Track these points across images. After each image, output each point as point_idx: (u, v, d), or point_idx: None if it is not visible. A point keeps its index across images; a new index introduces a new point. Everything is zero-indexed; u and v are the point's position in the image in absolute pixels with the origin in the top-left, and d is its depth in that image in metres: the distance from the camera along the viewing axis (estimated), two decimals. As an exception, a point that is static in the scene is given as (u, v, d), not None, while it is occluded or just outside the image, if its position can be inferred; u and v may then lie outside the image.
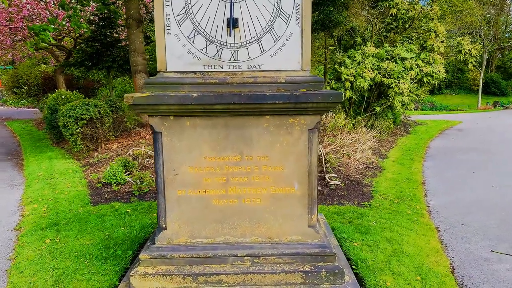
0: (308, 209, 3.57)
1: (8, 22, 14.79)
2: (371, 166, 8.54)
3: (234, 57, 3.49)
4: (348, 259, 4.45)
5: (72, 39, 15.84)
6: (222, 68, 3.50)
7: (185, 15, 3.44)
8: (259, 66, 3.51)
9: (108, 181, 7.02)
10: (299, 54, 3.50)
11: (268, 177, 3.54)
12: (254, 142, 3.50)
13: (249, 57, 3.49)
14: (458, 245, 4.95)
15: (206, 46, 3.47)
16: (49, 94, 12.25)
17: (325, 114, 10.80)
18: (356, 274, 4.09)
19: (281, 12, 3.45)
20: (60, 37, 16.24)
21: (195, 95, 3.30)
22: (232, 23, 3.41)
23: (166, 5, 3.44)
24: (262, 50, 3.48)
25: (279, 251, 3.53)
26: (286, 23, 3.46)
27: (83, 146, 8.99)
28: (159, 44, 3.48)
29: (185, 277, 3.46)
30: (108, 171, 7.09)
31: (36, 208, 6.21)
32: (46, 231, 5.27)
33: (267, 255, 3.52)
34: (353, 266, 4.29)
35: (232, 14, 3.40)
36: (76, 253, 4.63)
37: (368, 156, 8.83)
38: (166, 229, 3.58)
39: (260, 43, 3.47)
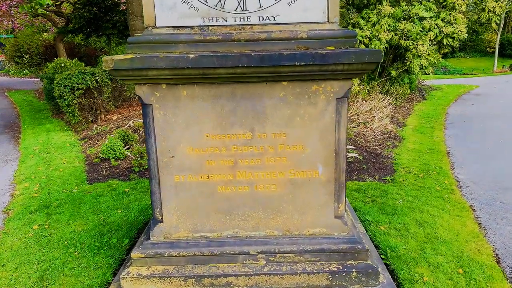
0: (335, 197, 2.85)
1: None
2: (390, 136, 7.76)
3: (242, 7, 2.68)
4: (376, 247, 3.78)
5: (71, 4, 14.83)
6: (227, 21, 2.70)
7: (178, -47, 2.62)
8: (274, 17, 2.70)
9: (106, 156, 6.34)
10: (324, 1, 2.68)
11: (285, 159, 2.80)
12: (268, 115, 2.75)
13: (261, 6, 2.68)
14: (498, 227, 4.25)
15: (206, -7, 2.66)
16: (48, 63, 11.44)
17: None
18: (386, 265, 3.43)
19: None
20: (58, 3, 15.24)
21: (192, 56, 2.52)
22: (238, -38, 2.58)
23: None
24: (277, -3, 2.67)
25: (300, 247, 2.84)
26: (308, -40, 2.63)
27: (81, 118, 8.28)
28: (145, -8, 2.68)
29: (187, 280, 2.81)
30: (106, 145, 6.40)
31: (27, 187, 5.57)
32: (35, 215, 4.64)
33: (285, 252, 2.84)
34: (382, 256, 3.62)
35: (238, -50, 2.57)
36: (66, 242, 4.00)
37: (386, 125, 8.03)
38: (162, 221, 2.90)
39: (274, -12, 2.65)
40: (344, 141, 2.80)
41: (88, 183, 5.65)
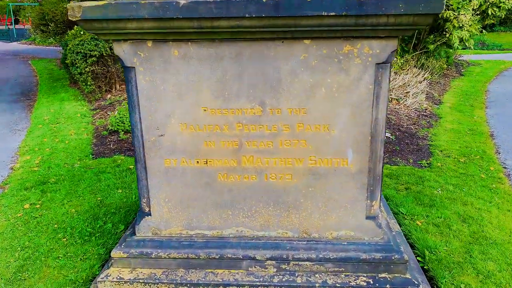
0: (368, 192, 2.18)
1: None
2: (425, 114, 6.91)
3: None
4: (411, 246, 3.11)
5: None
6: (232, -43, 2.00)
7: None
8: (295, -47, 1.97)
9: (115, 129, 5.81)
10: None
11: (305, 142, 2.13)
12: (284, 85, 2.07)
13: None
14: (560, 227, 3.49)
15: None
16: (69, 31, 10.91)
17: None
18: (424, 271, 2.78)
19: None
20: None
21: (183, 2, 1.84)
22: None
23: None
24: None
25: (320, 253, 2.20)
26: None
27: (94, 87, 7.76)
28: None
29: (178, 287, 2.23)
30: (115, 117, 5.86)
31: (28, 160, 5.12)
32: (30, 192, 4.17)
33: (300, 260, 2.21)
34: (418, 259, 2.96)
35: None
36: (56, 225, 3.50)
37: (421, 102, 7.17)
38: (150, 214, 2.31)
39: None
40: (383, 121, 2.10)
41: (92, 157, 5.14)
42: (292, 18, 1.84)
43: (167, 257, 2.25)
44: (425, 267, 2.87)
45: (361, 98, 2.04)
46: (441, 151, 5.31)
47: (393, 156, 5.10)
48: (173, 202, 2.26)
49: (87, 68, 7.44)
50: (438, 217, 3.57)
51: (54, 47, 18.22)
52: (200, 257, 2.24)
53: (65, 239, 3.28)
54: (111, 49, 7.59)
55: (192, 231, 2.30)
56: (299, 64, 2.02)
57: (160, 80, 2.09)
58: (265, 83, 2.06)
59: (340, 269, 2.19)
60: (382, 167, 2.19)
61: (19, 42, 22.14)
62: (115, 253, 2.28)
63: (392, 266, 2.17)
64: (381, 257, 2.17)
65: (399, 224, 3.38)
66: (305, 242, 2.23)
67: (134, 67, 2.08)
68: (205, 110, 2.13)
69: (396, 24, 1.85)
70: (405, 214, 3.62)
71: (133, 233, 2.36)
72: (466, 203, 3.84)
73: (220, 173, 2.21)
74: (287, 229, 2.26)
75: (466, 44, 9.93)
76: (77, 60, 7.38)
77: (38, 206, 3.84)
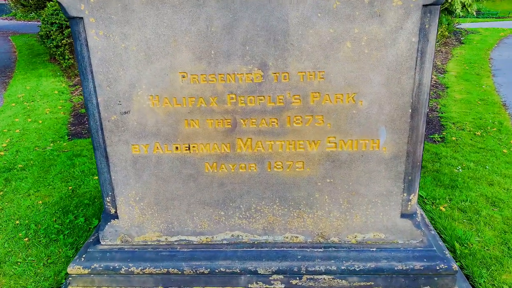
0: (405, 183, 1.61)
1: None
2: (431, 84, 6.33)
3: None
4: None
5: None
6: None
7: None
8: None
9: (94, 106, 5.14)
10: None
11: (322, 118, 1.54)
12: (293, 38, 1.45)
13: None
14: None
15: None
16: (47, 3, 10.01)
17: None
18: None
19: None
20: None
21: None
22: None
23: None
24: None
25: (341, 264, 1.65)
26: None
27: (73, 61, 7.02)
28: None
29: (157, 310, 1.68)
30: (94, 92, 5.18)
31: (-5, 143, 4.48)
32: (-7, 180, 3.56)
33: (316, 273, 1.65)
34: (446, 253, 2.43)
35: None
36: (18, 221, 2.91)
37: (426, 71, 6.56)
38: (117, 217, 1.72)
39: None
40: (427, 89, 1.51)
41: (68, 138, 4.51)
42: None
43: (141, 272, 1.68)
44: (457, 263, 2.35)
45: (400, 56, 1.44)
46: (454, 123, 4.76)
47: (403, 130, 4.54)
48: (146, 201, 1.68)
49: (64, 41, 6.69)
50: (463, 201, 3.04)
51: (36, 22, 17.15)
52: (185, 272, 1.67)
53: (27, 239, 2.70)
54: (89, 19, 6.82)
55: (173, 238, 1.73)
56: (315, 8, 1.40)
57: (120, 35, 1.46)
58: (267, 36, 1.44)
59: (369, 284, 1.64)
60: (423, 149, 1.62)
61: (-1, 18, 20.92)
62: (73, 269, 1.70)
63: (436, 279, 1.63)
64: (422, 267, 1.62)
65: (421, 208, 2.85)
66: (321, 249, 1.66)
67: (81, 18, 1.45)
68: (183, 77, 1.51)
69: None
70: (425, 198, 3.09)
71: (98, 241, 1.78)
72: (492, 183, 3.31)
73: (207, 162, 1.61)
74: (298, 232, 1.69)
75: (469, 10, 9.28)
76: (52, 32, 6.62)
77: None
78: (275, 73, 1.49)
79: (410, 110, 1.51)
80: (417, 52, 1.44)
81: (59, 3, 1.45)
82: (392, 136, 1.54)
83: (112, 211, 1.71)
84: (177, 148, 1.60)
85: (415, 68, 1.45)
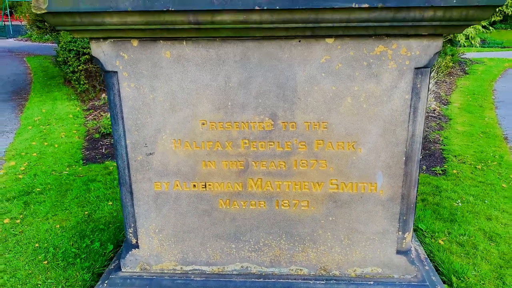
0: (399, 223, 1.78)
1: None
2: (434, 115, 6.52)
3: None
4: (435, 269, 2.73)
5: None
6: None
7: None
8: None
9: (108, 131, 5.40)
10: None
11: (325, 163, 1.73)
12: (300, 93, 1.66)
13: None
14: None
15: None
16: (63, 27, 10.42)
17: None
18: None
19: None
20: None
21: (175, -9, 1.43)
22: None
23: None
24: None
25: (341, 295, 1.81)
26: None
27: (88, 86, 7.33)
28: None
29: (171, 335, 1.84)
30: (108, 118, 5.44)
31: (14, 166, 4.70)
32: (12, 203, 3.76)
33: (318, 303, 1.82)
34: (445, 286, 2.57)
35: None
36: (37, 244, 3.09)
37: (430, 102, 6.78)
38: (137, 246, 1.91)
39: None
40: (420, 139, 1.70)
41: (83, 163, 4.73)
42: (313, 11, 1.43)
43: (158, 298, 1.85)
44: (452, 296, 2.49)
45: (395, 111, 1.64)
46: (455, 156, 4.92)
47: (405, 162, 4.71)
48: (165, 233, 1.86)
49: (80, 67, 7.02)
50: (462, 234, 3.18)
51: (51, 44, 17.72)
52: (198, 299, 1.84)
53: (46, 262, 2.87)
54: (105, 46, 7.16)
55: (188, 267, 1.90)
56: (320, 68, 1.62)
57: (149, 87, 1.68)
58: (277, 91, 1.66)
59: (366, 315, 1.80)
60: (417, 192, 1.80)
61: (15, 39, 21.61)
62: (96, 294, 1.88)
63: (428, 312, 1.78)
64: (415, 301, 1.78)
65: (419, 242, 3.00)
66: (323, 282, 1.83)
67: (116, 72, 1.67)
68: (203, 124, 1.72)
69: (445, 19, 1.45)
70: (425, 231, 3.23)
71: (119, 268, 1.96)
72: (490, 217, 3.45)
73: (221, 199, 1.81)
74: (302, 265, 1.86)
75: (472, 42, 9.56)
76: (69, 58, 6.95)
77: (18, 221, 3.43)
78: (283, 123, 1.70)
79: (404, 158, 1.70)
80: (410, 108, 1.64)
81: (97, 59, 1.68)
82: (388, 180, 1.73)
83: (134, 241, 1.89)
84: (194, 186, 1.80)
85: (408, 121, 1.65)
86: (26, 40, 19.98)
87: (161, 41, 1.61)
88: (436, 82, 8.92)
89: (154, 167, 1.78)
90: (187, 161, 1.77)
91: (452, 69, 10.98)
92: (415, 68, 1.59)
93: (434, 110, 6.77)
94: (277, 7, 1.42)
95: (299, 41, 1.59)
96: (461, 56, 13.45)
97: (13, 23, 24.53)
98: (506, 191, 3.99)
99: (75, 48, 6.90)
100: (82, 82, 7.15)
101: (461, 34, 8.95)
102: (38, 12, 1.50)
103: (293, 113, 1.68)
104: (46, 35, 18.92)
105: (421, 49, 1.56)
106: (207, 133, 1.73)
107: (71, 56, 6.92)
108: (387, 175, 1.72)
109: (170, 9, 1.45)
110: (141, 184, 1.81)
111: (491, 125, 6.31)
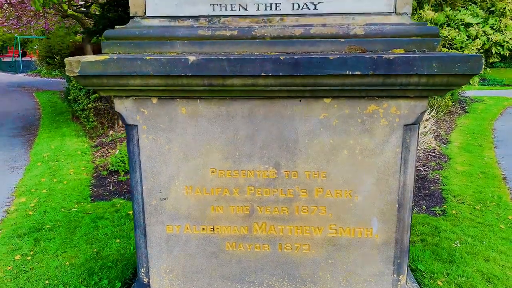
0: (394, 265, 1.93)
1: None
2: (434, 154, 6.70)
3: (268, -11, 1.81)
4: (433, 312, 2.82)
5: (99, 7, 14.39)
6: (246, 9, 1.83)
7: None
8: (314, 5, 1.81)
9: (115, 169, 5.59)
10: (391, -17, 1.78)
11: (324, 209, 1.90)
12: (301, 146, 1.85)
13: (296, -10, 1.80)
14: None
15: (218, -31, 1.80)
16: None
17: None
18: None
19: None
20: (88, 4, 14.84)
21: (192, 59, 1.66)
22: None
23: None
24: (321, -24, 1.78)
25: (340, 335, 1.93)
26: None
27: (96, 123, 7.60)
28: (132, -34, 1.84)
29: None
30: (116, 156, 5.66)
31: (24, 202, 4.87)
32: (23, 240, 3.90)
33: None
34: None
35: None
36: (47, 281, 3.21)
37: (430, 141, 6.97)
38: (149, 286, 2.05)
39: (317, -39, 1.77)
40: (411, 188, 1.87)
41: (91, 200, 4.89)
42: (312, 77, 1.65)
43: (167, 336, 1.97)
44: (451, 338, 2.58)
45: (387, 162, 1.83)
46: (455, 196, 5.06)
47: (405, 202, 4.85)
48: (174, 273, 2.01)
49: (90, 105, 7.31)
50: (460, 276, 3.28)
51: (59, 79, 18.29)
52: (205, 337, 1.96)
53: (56, 299, 2.99)
54: (114, 85, 7.48)
55: (196, 306, 2.03)
56: (319, 124, 1.82)
57: (165, 139, 1.88)
58: (281, 143, 1.85)
59: None
60: (410, 237, 1.95)
61: (25, 74, 22.29)
62: (109, 331, 2.01)
63: None
64: None
65: (418, 282, 3.10)
66: (323, 322, 1.95)
67: (136, 125, 1.88)
68: (213, 172, 1.91)
69: (429, 85, 1.66)
70: (424, 272, 3.33)
71: (130, 306, 2.10)
72: (488, 258, 3.56)
73: (228, 242, 1.96)
74: (303, 305, 1.99)
75: (471, 82, 9.86)
76: (80, 96, 7.26)
77: (29, 257, 3.56)
78: (286, 171, 1.88)
79: (397, 205, 1.87)
80: (401, 160, 1.82)
81: (119, 113, 1.89)
82: (383, 226, 1.89)
83: (145, 280, 2.04)
84: (203, 229, 1.96)
85: (400, 171, 1.83)
86: (35, 75, 20.62)
87: (178, 99, 1.83)
88: (436, 121, 9.16)
89: (167, 211, 1.95)
90: (197, 206, 1.94)
91: (452, 108, 11.25)
92: (404, 125, 1.79)
93: (434, 149, 6.95)
94: (281, 74, 1.64)
95: (300, 100, 1.80)
96: (461, 95, 13.76)
97: (23, 59, 25.36)
98: (504, 232, 4.10)
99: (85, 88, 7.21)
100: (91, 119, 7.43)
101: (459, 75, 9.27)
102: (71, 75, 1.73)
103: (295, 163, 1.87)
104: (55, 70, 19.59)
105: (409, 108, 1.77)
106: (216, 180, 1.91)
107: (82, 94, 7.23)
108: (382, 221, 1.88)
109: (187, 74, 1.67)
110: (154, 227, 1.97)
111: (490, 165, 6.46)
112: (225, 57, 1.65)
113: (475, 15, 10.07)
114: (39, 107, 12.05)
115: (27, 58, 26.35)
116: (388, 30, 1.73)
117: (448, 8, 10.41)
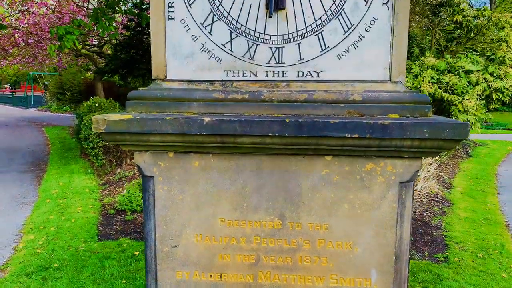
0: (392, 316, 2.03)
1: (50, 28, 14.11)
2: (437, 199, 6.79)
3: (276, 59, 2.03)
4: None
5: (112, 47, 15.03)
6: (256, 75, 2.05)
7: (199, -11, 2.03)
8: (317, 73, 2.03)
9: (122, 208, 5.73)
10: (386, 55, 1.99)
11: (326, 260, 2.03)
12: (305, 199, 2.01)
13: (301, 59, 2.02)
14: None
15: (231, 39, 2.03)
16: (84, 102, 11.28)
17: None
18: None
19: (357, -16, 1.96)
20: (101, 44, 15.50)
21: (207, 120, 1.85)
22: (275, 1, 1.96)
23: (169, -28, 2.04)
24: (324, 48, 2.00)
25: None
26: (367, 1, 1.96)
27: (105, 161, 7.82)
28: (155, 36, 2.08)
29: None
30: (124, 195, 5.81)
31: (32, 240, 4.98)
32: (31, 278, 4.00)
33: None
34: None
35: (276, -13, 1.94)
36: (54, 321, 3.29)
37: (432, 186, 7.08)
38: (157, 330, 2.15)
39: (320, 35, 1.99)
40: (407, 241, 2.01)
41: (98, 239, 5.01)
42: (314, 138, 1.83)
43: None
44: None
45: (384, 216, 1.97)
46: (457, 243, 5.12)
47: (408, 248, 4.91)
48: (183, 318, 2.11)
49: (100, 143, 7.55)
50: (462, 326, 3.33)
51: (69, 115, 18.76)
52: None
53: None
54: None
55: None
56: (320, 179, 1.98)
57: (179, 190, 2.05)
58: (285, 196, 2.01)
59: None
60: (407, 287, 2.06)
61: (35, 109, 22.90)
62: None
63: None
64: None
65: (420, 333, 3.14)
66: None
67: (153, 177, 2.05)
68: (222, 221, 2.06)
69: (421, 147, 1.83)
70: (426, 321, 3.38)
71: None
72: (491, 309, 3.60)
73: (235, 289, 2.08)
74: None
75: (472, 127, 10.06)
76: (90, 135, 7.51)
77: (37, 297, 3.65)
78: (290, 223, 2.03)
79: (394, 257, 1.99)
80: (397, 215, 1.97)
81: (138, 166, 2.07)
82: (381, 277, 2.00)
83: (154, 324, 2.14)
84: (211, 276, 2.08)
85: (396, 225, 1.97)
86: (45, 111, 21.18)
87: (192, 153, 2.01)
88: (439, 165, 9.29)
89: (177, 258, 2.09)
90: (206, 253, 2.07)
91: (456, 152, 11.39)
92: (400, 182, 1.95)
93: (437, 194, 7.05)
94: (286, 134, 1.83)
95: (304, 157, 1.97)
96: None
97: (34, 93, 26.11)
98: (506, 281, 4.15)
99: (97, 126, 7.47)
100: (100, 157, 7.64)
101: (461, 120, 9.48)
102: (97, 132, 1.93)
103: (299, 215, 2.02)
104: (65, 106, 20.14)
105: (404, 167, 1.93)
106: (224, 230, 2.06)
107: (92, 133, 7.49)
108: (380, 272, 2.00)
109: (202, 133, 1.86)
110: (165, 273, 2.10)
111: (493, 211, 6.53)
112: (236, 119, 1.85)
113: (475, 62, 10.44)
114: (48, 143, 12.34)
115: (38, 93, 27.11)
116: (384, 97, 1.93)
117: (449, 56, 10.81)
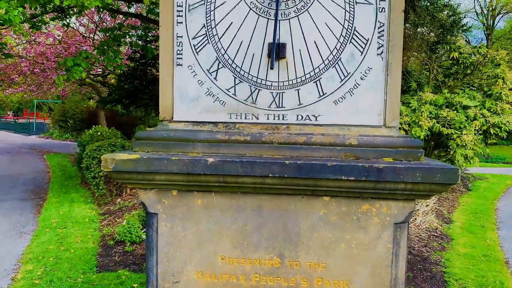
0: None
1: (56, 58, 14.46)
2: (436, 234, 6.80)
3: (277, 103, 2.16)
4: None
5: (116, 76, 15.37)
6: (258, 118, 2.17)
7: (205, 38, 2.17)
8: (316, 117, 2.15)
9: (122, 239, 5.75)
10: (380, 101, 2.12)
11: (323, 298, 2.09)
12: (303, 238, 2.09)
13: (300, 104, 2.15)
14: None
15: (235, 85, 2.17)
16: (86, 130, 11.44)
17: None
18: None
19: (354, 36, 2.10)
20: (105, 74, 15.85)
21: (211, 160, 1.96)
22: (277, 51, 2.10)
23: (178, 23, 2.19)
24: (322, 94, 2.13)
25: None
26: (362, 52, 2.11)
27: (105, 191, 7.87)
28: (164, 80, 2.22)
29: None
30: (123, 226, 5.84)
31: (31, 270, 4.99)
32: (28, 310, 3.99)
33: None
34: None
35: (277, 37, 2.09)
36: None
37: (431, 221, 7.11)
38: None
39: (318, 82, 2.13)
40: (402, 280, 2.07)
41: (96, 270, 5.01)
42: (312, 179, 1.93)
43: None
44: None
45: (379, 256, 2.04)
46: (457, 280, 5.11)
47: (407, 284, 4.91)
48: None
49: (101, 173, 7.63)
50: None
51: (70, 142, 18.91)
52: None
53: None
54: (126, 155, 7.84)
55: None
56: (318, 219, 2.07)
57: (181, 227, 2.13)
58: (285, 235, 2.09)
59: None
60: (403, 328, 2.10)
61: (37, 136, 23.11)
62: None
63: None
64: None
65: None
66: None
67: (157, 214, 2.14)
68: (222, 259, 2.13)
69: (414, 190, 1.93)
70: None
71: None
72: None
73: (234, 326, 2.12)
74: None
75: (471, 161, 10.15)
76: (92, 165, 7.60)
77: (34, 330, 3.65)
78: (289, 261, 2.10)
79: (390, 297, 2.05)
80: (392, 255, 2.04)
81: (143, 203, 2.16)
82: (377, 316, 2.05)
83: None
84: (211, 312, 2.13)
85: (391, 265, 2.04)
86: (47, 138, 21.37)
87: (195, 192, 2.11)
88: (438, 199, 9.33)
89: (179, 294, 2.14)
90: (207, 290, 2.13)
91: (455, 186, 11.45)
92: (395, 223, 2.03)
93: (436, 228, 7.07)
94: (286, 175, 1.93)
95: (302, 197, 2.06)
96: (464, 172, 13.99)
97: (37, 120, 26.41)
98: (505, 321, 4.14)
99: (98, 156, 7.58)
100: (101, 187, 7.70)
101: (460, 155, 9.59)
102: (106, 170, 2.03)
103: (297, 254, 2.09)
104: (66, 133, 20.34)
105: (398, 209, 2.02)
106: (225, 267, 2.12)
107: (94, 163, 7.58)
108: (376, 311, 2.05)
109: (206, 173, 1.96)
110: (166, 309, 2.15)
111: (493, 248, 6.53)
112: (238, 160, 1.95)
113: (472, 98, 10.66)
114: (49, 170, 12.41)
115: (40, 120, 27.41)
116: (379, 142, 2.04)
117: (446, 91, 11.05)
